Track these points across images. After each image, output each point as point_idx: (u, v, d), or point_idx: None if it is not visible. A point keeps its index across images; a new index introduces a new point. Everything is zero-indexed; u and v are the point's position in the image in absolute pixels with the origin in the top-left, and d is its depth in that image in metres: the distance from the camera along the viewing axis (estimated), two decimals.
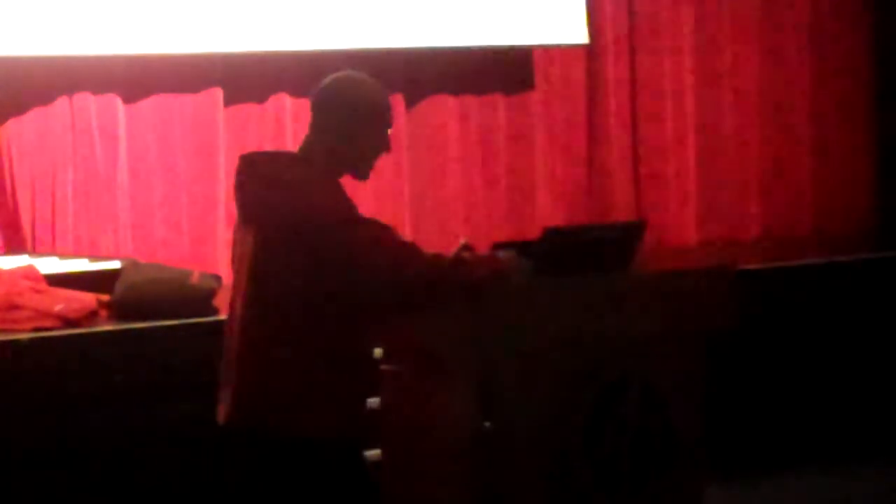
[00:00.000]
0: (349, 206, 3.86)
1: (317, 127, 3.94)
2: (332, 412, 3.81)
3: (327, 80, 4.01)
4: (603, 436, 4.14)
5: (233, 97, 7.71)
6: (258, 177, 3.89)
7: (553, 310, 4.07)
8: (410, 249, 3.86)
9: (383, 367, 4.12)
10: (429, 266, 3.86)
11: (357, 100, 3.93)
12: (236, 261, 3.94)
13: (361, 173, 3.97)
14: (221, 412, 3.92)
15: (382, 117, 3.97)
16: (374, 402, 4.07)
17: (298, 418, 3.79)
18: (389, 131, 3.99)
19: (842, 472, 6.69)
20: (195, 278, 5.98)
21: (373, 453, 4.07)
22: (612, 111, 8.84)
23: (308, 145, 3.94)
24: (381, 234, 3.83)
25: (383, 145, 3.97)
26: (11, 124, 7.20)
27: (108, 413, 5.49)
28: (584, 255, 4.17)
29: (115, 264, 6.44)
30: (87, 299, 5.79)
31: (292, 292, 3.77)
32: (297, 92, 7.87)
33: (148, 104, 7.50)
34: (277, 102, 7.83)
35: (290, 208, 3.79)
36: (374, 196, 7.61)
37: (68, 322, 5.62)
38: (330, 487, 3.83)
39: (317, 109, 3.95)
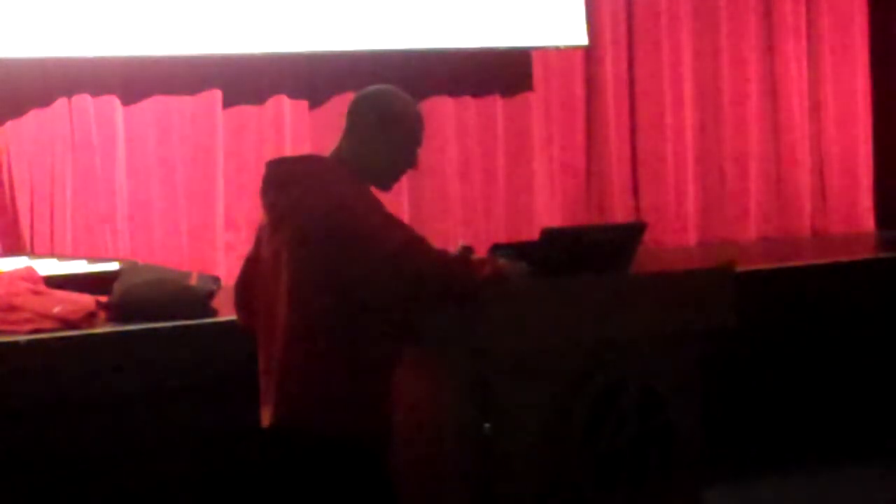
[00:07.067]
0: (377, 205, 3.88)
1: (348, 134, 3.98)
2: (375, 412, 3.85)
3: (365, 89, 4.04)
4: (602, 436, 4.13)
5: (232, 99, 7.71)
6: (291, 180, 3.91)
7: (552, 311, 4.07)
8: (426, 246, 3.88)
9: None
10: (438, 261, 3.88)
11: (387, 112, 3.97)
12: (268, 264, 3.93)
13: (384, 184, 4.00)
14: (265, 415, 3.91)
15: (410, 132, 4.00)
16: None
17: (344, 418, 3.81)
18: (419, 149, 4.01)
19: (841, 472, 6.69)
20: (194, 280, 5.98)
21: None
22: (611, 112, 8.84)
23: (338, 150, 3.97)
24: (403, 233, 3.86)
25: (409, 161, 4.01)
26: (10, 126, 7.20)
27: (106, 415, 5.48)
28: (583, 256, 4.16)
29: (113, 266, 6.44)
30: (86, 301, 5.78)
31: (333, 294, 3.79)
32: (295, 93, 7.88)
33: (147, 106, 7.50)
34: (276, 104, 7.83)
35: (325, 210, 3.81)
36: None
37: (67, 324, 5.61)
38: (369, 487, 3.85)
39: (349, 117, 3.99)
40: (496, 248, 4.18)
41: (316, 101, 7.90)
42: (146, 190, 7.48)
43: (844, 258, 7.80)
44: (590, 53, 8.77)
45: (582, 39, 8.51)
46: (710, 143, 9.18)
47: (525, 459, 4.05)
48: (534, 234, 4.33)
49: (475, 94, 8.45)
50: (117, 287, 5.92)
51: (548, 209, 8.60)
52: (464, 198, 8.35)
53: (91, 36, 7.13)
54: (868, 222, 9.64)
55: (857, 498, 6.44)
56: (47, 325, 5.58)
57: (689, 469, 4.33)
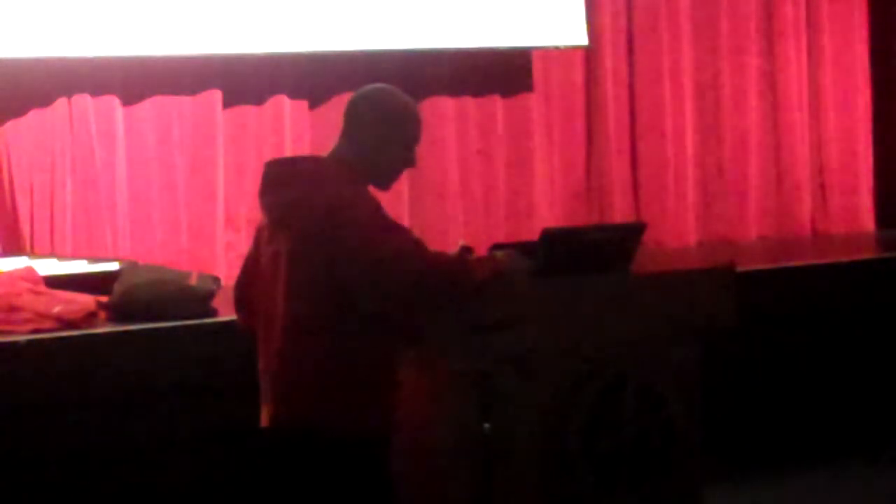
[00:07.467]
0: (375, 206, 3.88)
1: (346, 134, 3.97)
2: (374, 411, 3.85)
3: (362, 89, 4.03)
4: (602, 436, 4.13)
5: (231, 99, 7.71)
6: (289, 181, 3.91)
7: (552, 311, 4.07)
8: (423, 248, 3.88)
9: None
10: (435, 264, 3.88)
11: (384, 112, 3.96)
12: (267, 265, 3.93)
13: (383, 184, 3.99)
14: (265, 415, 3.91)
15: (408, 131, 3.99)
16: None
17: (343, 418, 3.81)
18: (417, 148, 4.01)
19: (842, 472, 6.69)
20: (194, 280, 5.98)
21: None
22: (611, 113, 8.84)
23: (337, 150, 3.97)
24: (399, 236, 3.85)
25: (408, 160, 4.00)
26: (10, 126, 7.20)
27: (106, 415, 5.48)
28: (583, 256, 4.17)
29: (113, 266, 6.44)
30: (86, 301, 5.79)
31: (332, 294, 3.79)
32: (295, 93, 7.88)
33: (147, 106, 7.50)
34: (276, 104, 7.83)
35: (324, 211, 3.80)
36: None
37: (67, 324, 5.61)
38: (369, 486, 3.86)
39: (347, 117, 3.98)
40: (496, 249, 4.18)
41: (316, 101, 7.90)
42: (146, 190, 7.48)
43: (844, 258, 7.80)
44: (590, 53, 8.77)
45: (582, 39, 8.51)
46: (710, 143, 9.18)
47: (525, 459, 4.05)
48: (534, 234, 4.33)
49: (475, 94, 8.45)
50: (117, 287, 5.92)
51: (548, 209, 8.60)
52: (464, 198, 8.35)
53: (91, 36, 7.13)
54: (868, 222, 9.64)
55: (857, 498, 6.44)
56: (47, 325, 5.59)
57: (689, 469, 4.33)
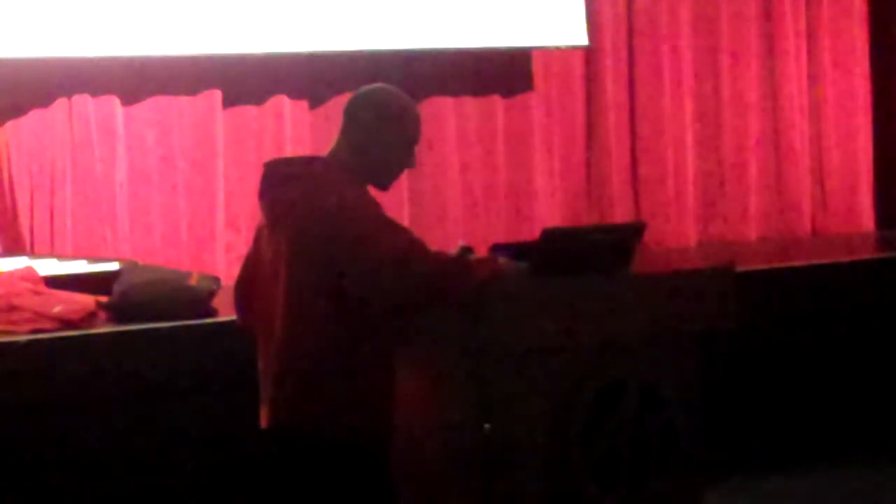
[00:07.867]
0: (375, 208, 3.88)
1: (345, 134, 3.97)
2: (374, 412, 3.85)
3: (361, 88, 4.03)
4: (602, 436, 4.14)
5: (232, 99, 7.71)
6: (289, 181, 3.91)
7: (552, 311, 4.07)
8: (423, 249, 3.88)
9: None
10: (435, 265, 3.87)
11: (384, 111, 3.96)
12: (266, 265, 3.93)
13: (382, 184, 4.00)
14: (265, 416, 3.92)
15: (407, 131, 3.99)
16: None
17: (343, 419, 3.82)
18: (416, 148, 4.00)
19: (842, 472, 6.69)
20: (194, 280, 5.98)
21: None
22: (611, 112, 8.83)
23: (335, 151, 3.97)
24: (399, 236, 3.85)
25: (407, 160, 4.00)
26: (10, 126, 7.20)
27: (106, 415, 5.48)
28: (583, 256, 4.17)
29: (113, 266, 6.44)
30: (86, 301, 5.79)
31: (331, 295, 3.79)
32: (295, 94, 7.88)
33: (147, 106, 7.49)
34: (276, 104, 7.83)
35: (324, 212, 3.81)
36: None
37: (67, 324, 5.61)
38: (369, 488, 3.86)
39: (346, 117, 3.98)
40: (496, 248, 4.18)
41: (316, 101, 7.90)
42: (146, 190, 7.48)
43: (844, 258, 7.80)
44: (590, 53, 8.77)
45: (582, 39, 8.51)
46: (710, 144, 9.18)
47: (525, 460, 4.05)
48: (534, 234, 4.34)
49: (475, 94, 8.45)
50: (117, 287, 5.92)
51: (548, 209, 8.60)
52: (464, 198, 8.35)
53: (91, 36, 7.13)
54: (868, 222, 9.64)
55: (857, 498, 6.44)
56: (47, 325, 5.59)
57: (689, 469, 4.33)
